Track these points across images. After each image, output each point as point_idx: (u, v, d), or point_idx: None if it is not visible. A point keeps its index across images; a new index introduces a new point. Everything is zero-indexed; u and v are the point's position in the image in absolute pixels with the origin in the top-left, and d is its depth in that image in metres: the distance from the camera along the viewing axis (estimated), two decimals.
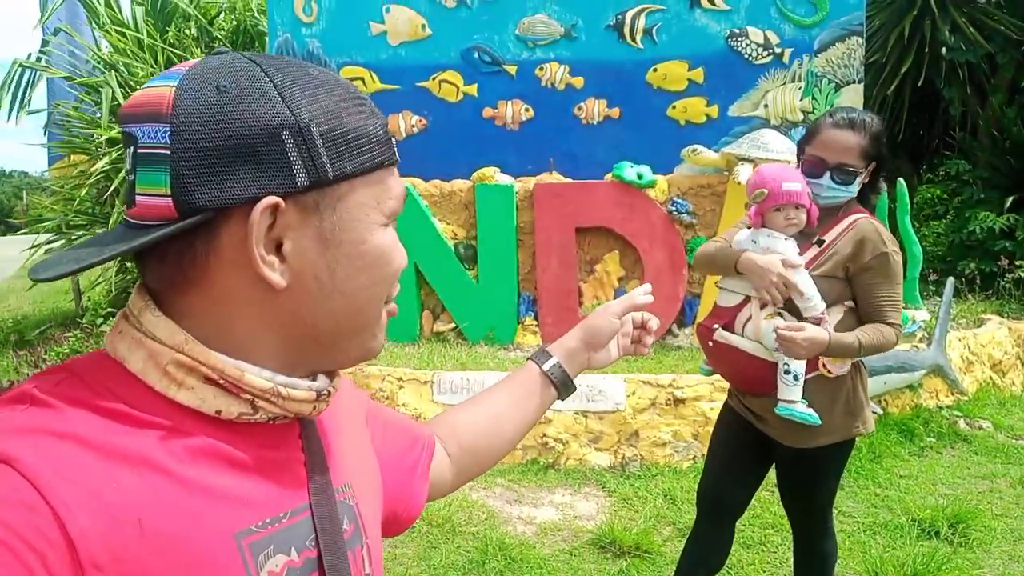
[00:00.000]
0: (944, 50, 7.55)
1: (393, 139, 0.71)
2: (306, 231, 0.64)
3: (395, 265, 0.71)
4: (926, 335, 4.93)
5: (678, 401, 4.15)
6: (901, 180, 6.09)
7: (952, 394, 4.90)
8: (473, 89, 6.20)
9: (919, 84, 7.55)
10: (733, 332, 2.23)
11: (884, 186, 2.39)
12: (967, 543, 3.35)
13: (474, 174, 5.48)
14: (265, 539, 0.64)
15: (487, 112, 6.18)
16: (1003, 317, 5.85)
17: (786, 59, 6.11)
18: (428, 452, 0.99)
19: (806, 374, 2.12)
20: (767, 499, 3.65)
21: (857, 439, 2.37)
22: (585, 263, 5.29)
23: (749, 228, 2.30)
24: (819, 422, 2.11)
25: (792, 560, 2.56)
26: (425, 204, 5.40)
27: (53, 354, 5.95)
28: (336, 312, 0.68)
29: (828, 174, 2.15)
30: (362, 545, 0.75)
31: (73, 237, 7.78)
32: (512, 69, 6.20)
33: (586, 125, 6.16)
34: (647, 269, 5.12)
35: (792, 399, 2.10)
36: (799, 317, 2.15)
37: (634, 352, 1.17)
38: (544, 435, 4.16)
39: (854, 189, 2.18)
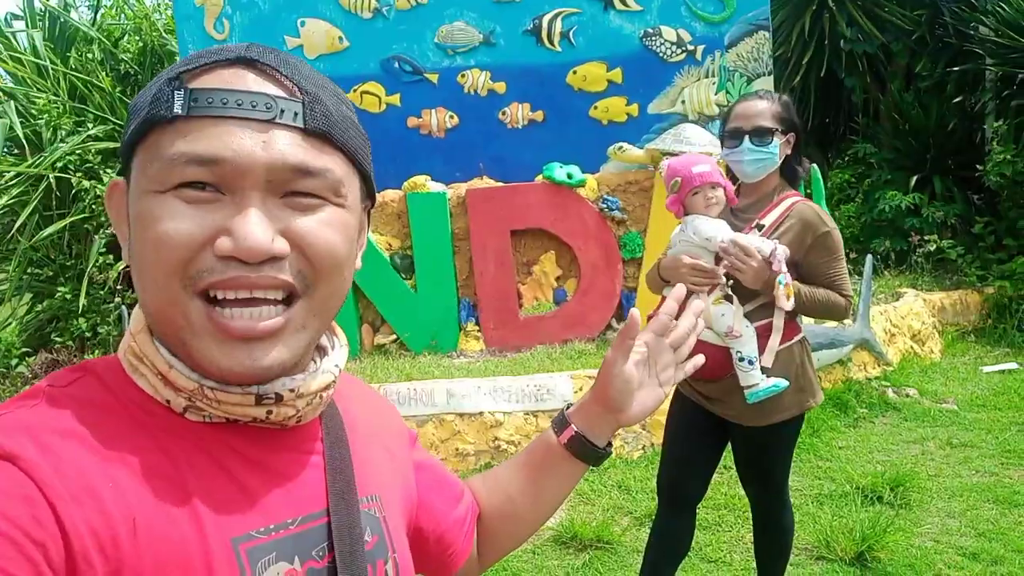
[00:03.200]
0: (843, 42, 7.93)
1: (176, 92, 0.60)
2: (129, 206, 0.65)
3: (150, 236, 0.60)
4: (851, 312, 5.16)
5: None
6: (814, 165, 6.36)
7: (879, 365, 5.14)
8: (396, 99, 6.17)
9: (822, 75, 7.90)
10: None
11: (808, 164, 2.51)
12: (907, 504, 3.53)
13: (405, 183, 5.45)
14: (267, 545, 0.62)
15: (412, 121, 6.16)
16: (918, 290, 6.17)
17: (699, 56, 6.31)
18: (473, 512, 0.94)
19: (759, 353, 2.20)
20: (717, 481, 3.74)
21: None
22: (522, 265, 5.32)
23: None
24: (787, 384, 2.18)
25: (753, 538, 2.64)
26: None
27: None
28: (142, 293, 0.63)
29: (746, 138, 2.25)
30: (387, 559, 0.72)
31: None
32: (434, 77, 6.20)
33: (512, 129, 6.21)
34: (583, 267, 5.19)
35: (754, 383, 2.17)
36: (745, 299, 2.23)
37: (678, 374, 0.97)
38: (496, 438, 4.16)
39: (774, 150, 2.27)
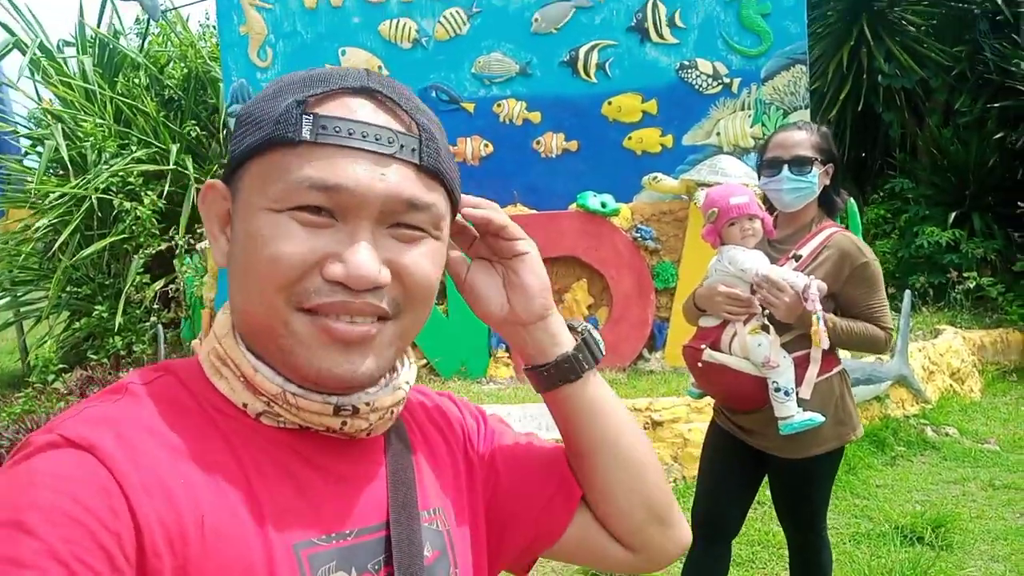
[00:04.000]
0: (880, 76, 7.90)
1: (304, 116, 0.62)
2: (234, 212, 0.67)
3: (263, 253, 0.61)
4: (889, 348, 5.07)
5: (656, 424, 4.17)
6: (851, 199, 6.30)
7: (917, 403, 5.02)
8: None
9: (859, 109, 7.86)
10: (719, 351, 2.26)
11: (846, 196, 2.50)
12: (948, 546, 3.42)
13: None
14: (328, 553, 0.63)
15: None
16: (956, 327, 6.05)
17: (735, 88, 6.31)
18: (565, 489, 0.83)
19: (797, 384, 2.16)
20: (752, 517, 3.66)
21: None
22: (555, 292, 5.31)
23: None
24: (823, 419, 2.15)
25: (789, 574, 2.57)
26: None
27: (4, 415, 5.71)
28: (240, 303, 0.65)
29: (785, 167, 2.25)
30: (448, 574, 0.71)
31: (19, 294, 7.55)
32: (470, 107, 6.27)
33: (545, 158, 6.25)
34: (615, 296, 5.17)
35: (789, 414, 2.14)
36: (783, 330, 2.20)
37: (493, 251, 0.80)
38: None
39: (813, 179, 2.26)
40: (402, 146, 0.63)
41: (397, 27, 6.25)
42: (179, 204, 6.70)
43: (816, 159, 2.28)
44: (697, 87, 6.31)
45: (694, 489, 2.49)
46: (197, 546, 0.56)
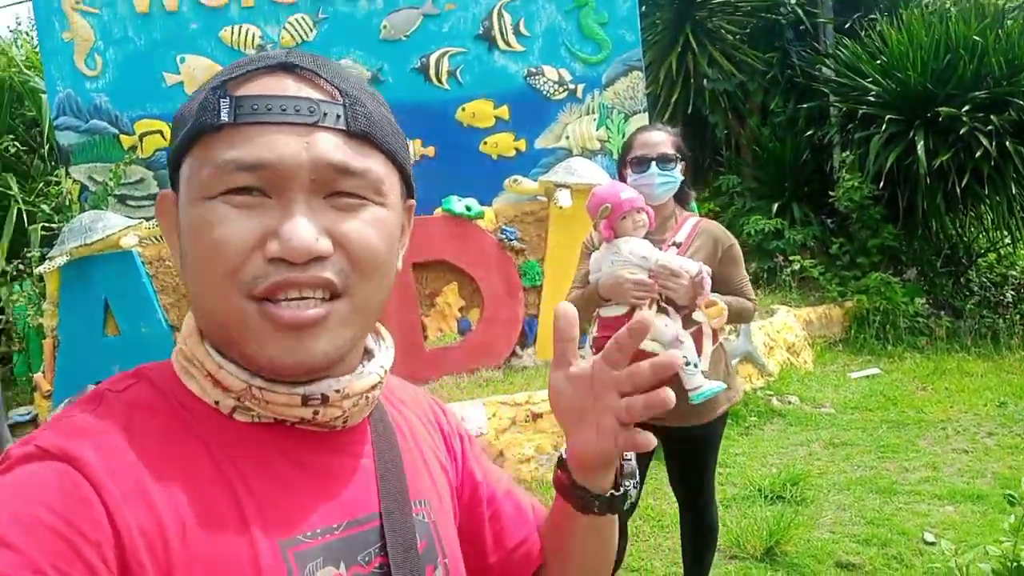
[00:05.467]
0: (705, 80, 8.56)
1: (222, 100, 0.61)
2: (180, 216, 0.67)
3: (204, 243, 0.61)
4: (734, 328, 5.54)
5: (536, 416, 4.33)
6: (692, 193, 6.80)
7: (762, 377, 5.52)
8: None
9: (688, 111, 8.47)
10: None
11: (692, 191, 2.79)
12: (804, 501, 3.81)
13: None
14: (314, 550, 0.62)
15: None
16: (788, 306, 6.69)
17: (580, 94, 6.63)
18: (530, 547, 0.86)
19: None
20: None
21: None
22: (425, 297, 5.36)
23: (596, 248, 2.54)
24: (724, 386, 2.38)
25: (681, 540, 2.77)
26: None
27: None
28: (197, 297, 0.66)
29: (653, 164, 2.47)
30: (436, 565, 0.72)
31: None
32: None
33: None
34: (486, 297, 5.30)
35: (699, 384, 2.34)
36: (678, 308, 2.41)
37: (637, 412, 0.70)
38: None
39: (677, 175, 2.52)
40: (325, 114, 0.62)
41: (239, 33, 6.05)
42: (0, 226, 6.11)
43: (677, 156, 2.53)
44: (545, 93, 6.57)
45: None
46: (180, 553, 0.56)
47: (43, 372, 5.15)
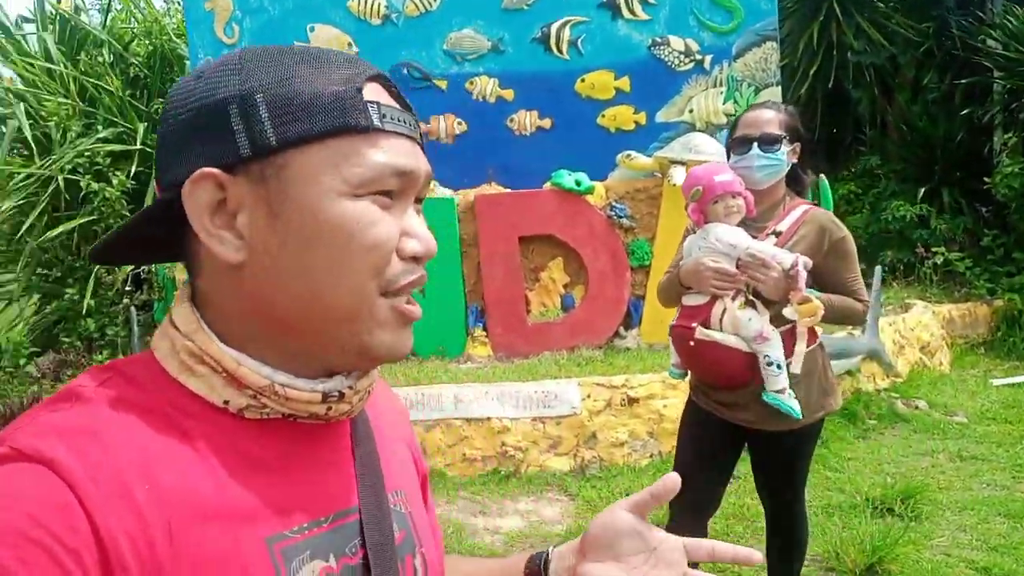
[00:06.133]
0: (850, 53, 7.94)
1: (378, 105, 0.63)
2: (257, 202, 0.62)
3: (363, 240, 0.62)
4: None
5: (632, 401, 4.20)
6: (823, 176, 6.36)
7: (887, 377, 5.11)
8: None
9: (829, 86, 7.90)
10: (710, 328, 2.27)
11: (812, 176, 2.54)
12: (918, 517, 3.50)
13: None
14: (300, 544, 0.62)
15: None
16: (926, 302, 6.15)
17: (707, 65, 6.32)
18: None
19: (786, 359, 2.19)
20: (727, 490, 3.72)
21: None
22: (530, 271, 5.31)
23: (695, 232, 2.38)
24: (800, 416, 2.19)
25: (766, 546, 2.61)
26: None
27: None
28: (298, 292, 0.63)
29: (755, 145, 2.27)
30: (414, 554, 0.72)
31: None
32: (443, 84, 6.21)
33: (519, 136, 6.22)
34: (591, 274, 5.18)
35: (779, 388, 2.16)
36: (768, 302, 2.22)
37: None
38: (503, 444, 4.14)
39: (782, 157, 2.28)
40: (417, 130, 0.67)
41: (366, 3, 6.16)
42: (147, 184, 6.57)
43: (784, 137, 2.31)
44: (669, 64, 6.30)
45: (671, 467, 2.51)
46: (166, 553, 0.55)
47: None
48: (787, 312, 2.18)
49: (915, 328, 5.58)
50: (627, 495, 3.19)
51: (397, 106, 0.65)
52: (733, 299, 2.22)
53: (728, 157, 2.42)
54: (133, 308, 5.73)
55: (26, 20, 8.10)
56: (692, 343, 2.28)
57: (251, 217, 0.62)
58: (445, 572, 0.85)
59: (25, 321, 7.08)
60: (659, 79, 6.27)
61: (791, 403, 2.19)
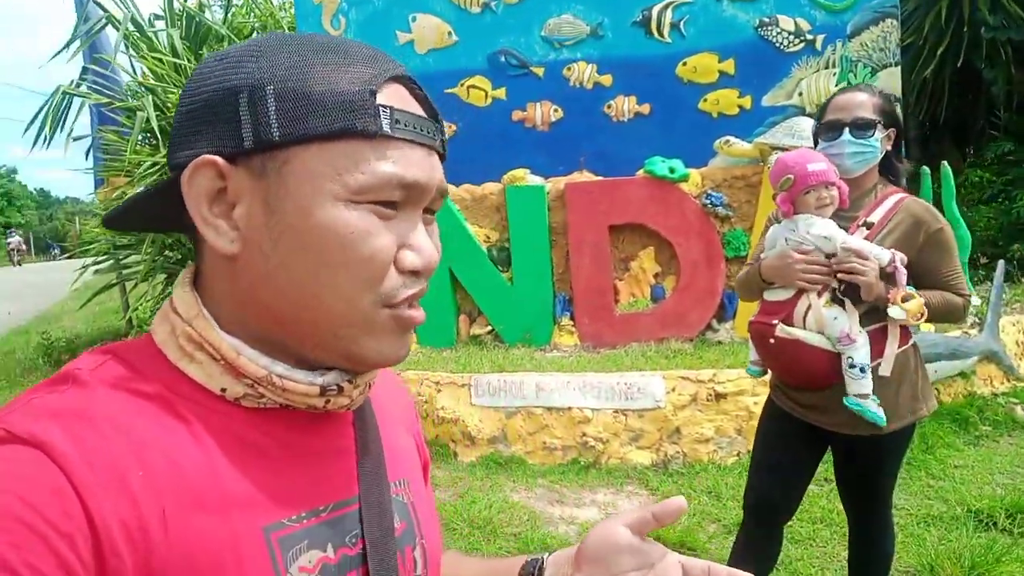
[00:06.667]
0: (984, 29, 7.33)
1: (382, 109, 0.60)
2: (255, 195, 0.60)
3: (359, 252, 0.60)
4: (978, 321, 4.77)
5: (720, 396, 4.07)
6: (945, 163, 5.92)
7: (1008, 380, 4.72)
8: (501, 93, 6.21)
9: (958, 65, 7.33)
10: (792, 326, 2.16)
11: (907, 164, 2.38)
12: None
13: (504, 176, 5.47)
14: (298, 534, 0.61)
15: (516, 115, 6.18)
16: None
17: (819, 45, 6.00)
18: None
19: (871, 362, 2.07)
20: (815, 493, 3.56)
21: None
22: (620, 261, 5.24)
23: (779, 223, 2.26)
24: (885, 423, 2.06)
25: (847, 556, 2.48)
26: (457, 209, 5.42)
27: None
28: (287, 293, 0.61)
29: (846, 131, 2.13)
30: (415, 546, 0.71)
31: (120, 257, 8.02)
32: (539, 71, 6.19)
33: (616, 123, 6.12)
34: (683, 264, 5.05)
35: (862, 392, 2.05)
36: (857, 300, 2.09)
37: None
38: (584, 434, 4.12)
39: (876, 144, 2.14)
40: (437, 138, 0.65)
41: None
42: None
43: (879, 122, 2.15)
44: (778, 45, 6.03)
45: None
46: (160, 539, 0.54)
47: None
48: (892, 311, 2.03)
49: None
50: (710, 494, 3.12)
51: (417, 111, 0.63)
52: (819, 296, 2.10)
53: (816, 143, 2.29)
54: None
55: (158, 17, 8.67)
56: (772, 340, 2.17)
57: (248, 210, 0.61)
58: (444, 568, 0.84)
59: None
60: (766, 61, 6.01)
61: (875, 409, 2.06)
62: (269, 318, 0.62)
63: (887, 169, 2.26)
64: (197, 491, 0.57)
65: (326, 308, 0.61)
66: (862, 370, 2.06)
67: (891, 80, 6.05)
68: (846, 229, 2.15)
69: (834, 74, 5.89)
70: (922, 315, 2.04)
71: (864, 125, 2.14)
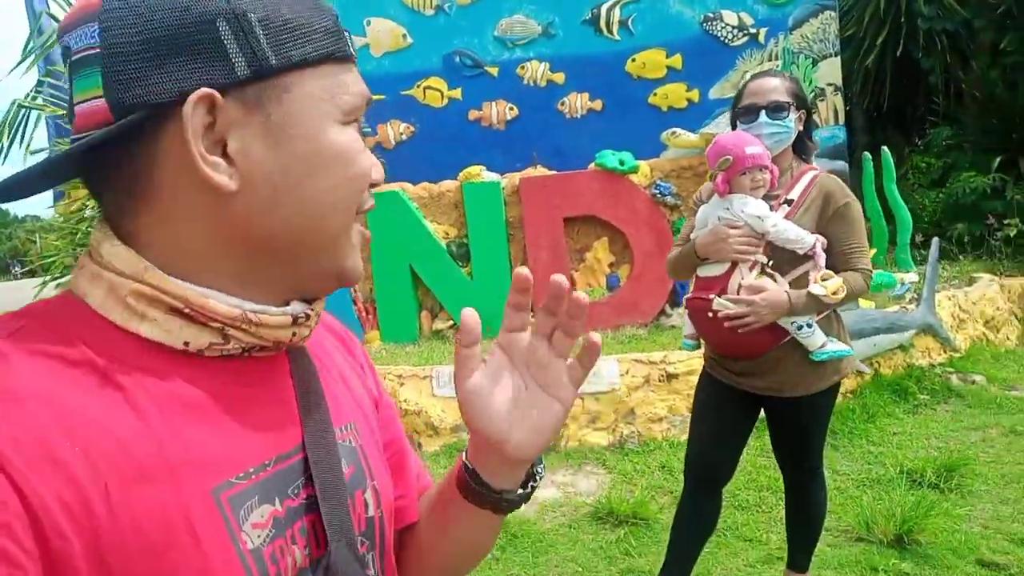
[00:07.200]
0: (920, 20, 7.63)
1: (347, 34, 0.63)
2: (252, 128, 0.58)
3: (358, 168, 0.62)
4: (915, 296, 5.01)
5: (671, 376, 4.25)
6: (885, 148, 6.17)
7: (945, 352, 4.96)
8: (457, 93, 6.35)
9: (898, 54, 7.62)
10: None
11: (817, 143, 2.54)
12: (958, 489, 3.43)
13: (461, 173, 5.61)
14: (248, 490, 0.59)
15: (472, 114, 6.32)
16: (995, 275, 5.90)
17: (762, 39, 6.23)
18: (409, 504, 0.82)
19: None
20: (762, 465, 3.73)
21: (840, 392, 2.46)
22: (575, 252, 5.40)
23: (703, 204, 2.41)
24: (852, 351, 2.25)
25: (785, 515, 2.64)
26: (416, 206, 5.54)
27: None
28: (294, 220, 0.60)
29: (763, 113, 2.28)
30: (365, 488, 0.70)
31: None
32: (494, 70, 6.34)
33: (570, 119, 6.30)
34: (636, 253, 5.22)
35: (819, 343, 2.21)
36: (785, 273, 2.25)
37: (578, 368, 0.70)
38: None
39: (790, 124, 2.29)
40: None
41: None
42: None
43: (791, 104, 2.32)
44: (723, 39, 6.25)
45: None
46: (105, 515, 0.51)
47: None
48: (813, 288, 2.19)
49: (978, 302, 5.37)
50: (663, 469, 3.23)
51: (335, 25, 0.64)
52: (751, 269, 2.25)
53: (734, 126, 2.44)
54: None
55: None
56: (711, 314, 2.32)
57: (245, 144, 0.57)
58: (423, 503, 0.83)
59: None
60: (712, 55, 6.22)
61: (839, 347, 2.23)
62: (261, 251, 0.61)
63: (800, 148, 2.43)
64: (138, 460, 0.53)
65: (329, 227, 0.62)
66: (808, 325, 2.22)
67: (831, 70, 6.29)
68: (771, 207, 2.31)
69: (777, 66, 6.11)
70: (839, 293, 2.21)
71: (778, 107, 2.30)
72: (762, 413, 2.50)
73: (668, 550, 2.60)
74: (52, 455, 0.50)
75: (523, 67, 6.33)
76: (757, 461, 3.78)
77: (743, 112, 2.36)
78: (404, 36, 6.38)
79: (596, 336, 0.69)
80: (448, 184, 5.63)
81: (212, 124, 0.56)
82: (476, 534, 0.77)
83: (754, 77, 2.44)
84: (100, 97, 0.55)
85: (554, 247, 5.25)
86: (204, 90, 0.55)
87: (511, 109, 6.32)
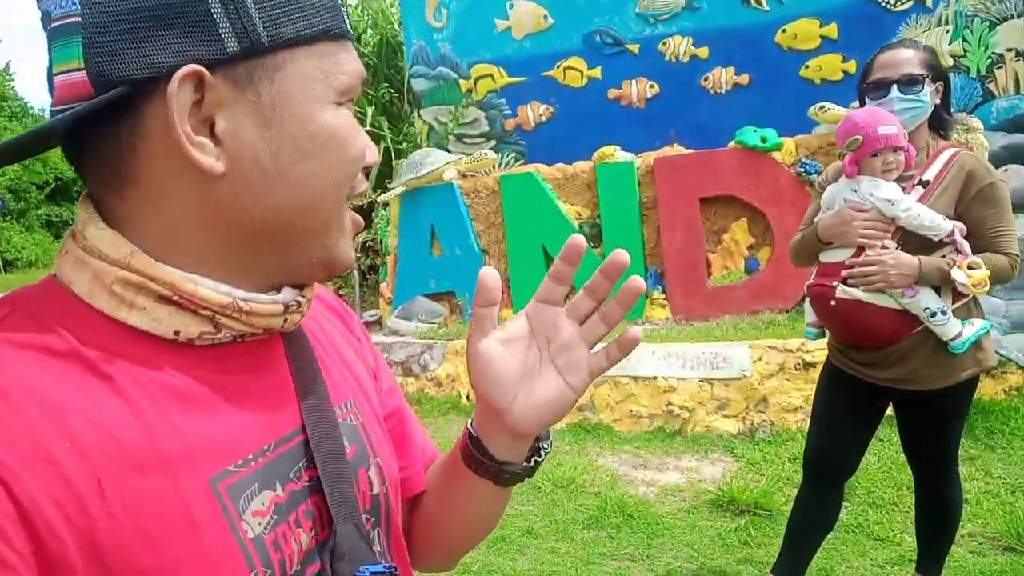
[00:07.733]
0: None
1: (343, 10, 0.60)
2: (241, 107, 0.55)
3: (352, 151, 0.60)
4: None
5: (808, 365, 4.06)
6: None
7: None
8: (597, 72, 6.31)
9: None
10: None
11: (956, 119, 2.35)
12: None
13: (595, 153, 5.59)
14: (247, 478, 0.57)
15: (612, 93, 6.26)
16: None
17: (929, 2, 5.72)
18: (415, 474, 0.82)
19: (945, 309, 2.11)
20: (904, 462, 3.50)
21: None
22: (712, 233, 5.24)
23: (829, 184, 2.29)
24: (991, 324, 2.13)
25: (915, 514, 2.49)
26: (549, 187, 5.59)
27: None
28: (284, 204, 0.58)
29: (894, 87, 2.14)
30: (368, 466, 0.69)
31: None
32: (635, 48, 6.24)
33: (714, 95, 6.08)
34: (778, 235, 5.00)
35: (956, 331, 2.09)
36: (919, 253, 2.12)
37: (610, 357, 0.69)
38: (669, 403, 4.21)
39: (926, 98, 2.14)
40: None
41: None
42: None
43: (926, 76, 2.15)
44: (884, 4, 5.79)
45: None
46: (100, 512, 0.49)
47: (386, 282, 6.20)
48: (955, 274, 2.05)
49: None
50: (793, 460, 3.21)
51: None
52: (879, 253, 2.13)
53: (862, 103, 2.30)
54: (357, 272, 6.47)
55: None
56: (833, 302, 2.22)
57: (233, 124, 0.55)
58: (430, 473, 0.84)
59: None
60: (872, 22, 5.78)
61: (977, 328, 2.10)
62: (249, 236, 0.58)
63: (937, 123, 2.25)
64: (132, 454, 0.52)
65: (321, 213, 0.60)
66: (943, 313, 2.09)
67: (1013, 32, 5.66)
68: (903, 188, 2.16)
69: (947, 31, 5.59)
70: (981, 287, 2.04)
71: (912, 80, 2.14)
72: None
73: (783, 543, 2.54)
74: (42, 453, 0.49)
75: (665, 42, 6.17)
76: (899, 458, 3.54)
77: (872, 87, 2.22)
78: (545, 17, 6.40)
79: (636, 330, 0.67)
80: (582, 165, 5.63)
81: (199, 102, 0.54)
82: (480, 505, 0.77)
83: (884, 48, 2.29)
84: (80, 69, 0.52)
85: (689, 228, 5.13)
86: (191, 66, 0.52)
87: (652, 87, 6.19)
